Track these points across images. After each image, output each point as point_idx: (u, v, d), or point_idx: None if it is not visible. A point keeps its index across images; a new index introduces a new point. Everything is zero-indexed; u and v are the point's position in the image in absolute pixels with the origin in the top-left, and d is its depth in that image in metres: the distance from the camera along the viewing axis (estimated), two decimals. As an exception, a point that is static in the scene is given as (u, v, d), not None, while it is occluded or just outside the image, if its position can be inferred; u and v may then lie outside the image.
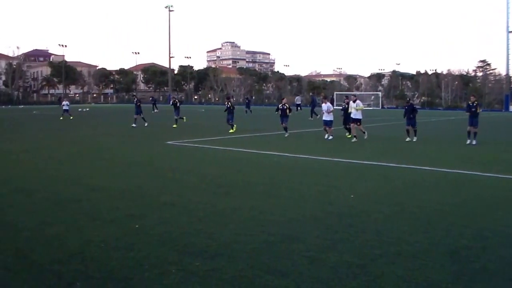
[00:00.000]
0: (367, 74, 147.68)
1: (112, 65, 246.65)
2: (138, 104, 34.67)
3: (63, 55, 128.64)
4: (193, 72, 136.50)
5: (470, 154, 19.10)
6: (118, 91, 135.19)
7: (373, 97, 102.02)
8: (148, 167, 15.58)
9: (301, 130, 30.90)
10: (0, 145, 22.51)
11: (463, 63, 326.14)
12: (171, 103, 36.77)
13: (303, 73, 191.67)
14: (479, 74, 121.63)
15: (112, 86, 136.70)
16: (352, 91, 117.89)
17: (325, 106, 26.01)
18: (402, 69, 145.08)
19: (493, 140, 25.99)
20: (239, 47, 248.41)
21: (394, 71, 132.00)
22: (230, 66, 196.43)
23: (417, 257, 6.86)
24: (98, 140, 25.21)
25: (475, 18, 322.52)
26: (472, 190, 12.18)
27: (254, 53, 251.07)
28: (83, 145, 22.46)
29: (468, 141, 22.28)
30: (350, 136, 25.22)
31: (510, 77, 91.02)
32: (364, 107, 26.18)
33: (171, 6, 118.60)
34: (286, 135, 26.13)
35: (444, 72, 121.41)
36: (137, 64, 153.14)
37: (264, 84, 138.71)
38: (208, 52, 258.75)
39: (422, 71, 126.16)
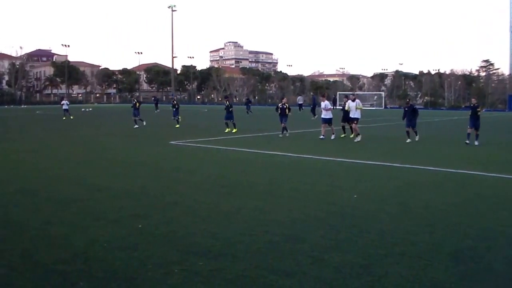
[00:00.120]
0: (370, 74, 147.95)
1: (115, 65, 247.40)
2: (137, 106, 34.49)
3: (66, 55, 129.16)
4: (196, 72, 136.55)
5: (473, 154, 19.07)
6: (121, 91, 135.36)
7: (376, 97, 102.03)
8: (151, 167, 15.58)
9: (304, 130, 30.89)
10: (4, 145, 22.57)
11: (466, 63, 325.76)
12: (171, 105, 36.68)
13: (306, 73, 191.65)
14: (482, 74, 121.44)
15: (115, 86, 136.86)
16: (355, 91, 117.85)
17: (323, 104, 25.86)
18: (405, 69, 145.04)
19: (496, 140, 25.94)
20: (242, 47, 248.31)
21: (397, 71, 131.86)
22: (233, 66, 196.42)
23: (421, 257, 6.86)
24: (101, 140, 25.23)
25: (478, 18, 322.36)
26: (475, 190, 12.16)
27: (257, 53, 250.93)
28: (86, 145, 22.49)
29: (467, 142, 22.12)
30: (344, 135, 25.19)
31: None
32: (361, 107, 25.85)
33: (174, 6, 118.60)
34: (284, 135, 25.89)
35: (447, 72, 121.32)
36: (140, 64, 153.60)
37: (267, 84, 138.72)
38: (211, 52, 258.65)
39: (425, 71, 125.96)
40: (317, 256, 6.90)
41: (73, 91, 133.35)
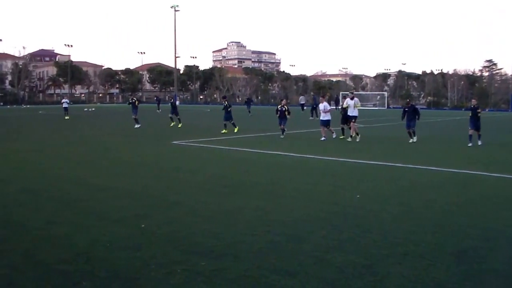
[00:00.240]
0: (373, 74, 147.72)
1: (117, 65, 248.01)
2: (136, 104, 34.47)
3: (69, 55, 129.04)
4: (198, 72, 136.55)
5: (476, 155, 19.03)
6: (124, 91, 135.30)
7: (378, 97, 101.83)
8: (154, 167, 15.60)
9: (306, 130, 30.86)
10: (7, 144, 22.61)
11: (469, 63, 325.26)
12: (171, 104, 36.51)
13: (308, 73, 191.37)
14: (485, 74, 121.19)
15: (117, 86, 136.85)
16: (358, 91, 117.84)
17: (322, 105, 25.45)
18: (408, 69, 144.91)
19: (499, 140, 25.89)
20: (245, 47, 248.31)
21: (400, 71, 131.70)
22: (235, 66, 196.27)
23: (424, 257, 6.85)
24: (104, 140, 25.26)
25: (480, 18, 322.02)
26: (478, 190, 12.15)
27: (260, 53, 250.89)
28: (89, 145, 22.52)
29: (470, 144, 21.74)
30: (343, 137, 24.77)
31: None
32: (359, 105, 25.31)
33: (177, 6, 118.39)
34: (281, 137, 25.49)
35: (450, 72, 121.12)
36: (143, 64, 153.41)
37: (269, 84, 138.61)
38: (213, 52, 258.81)
39: (428, 71, 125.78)
40: (319, 256, 6.89)
41: (76, 91, 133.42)
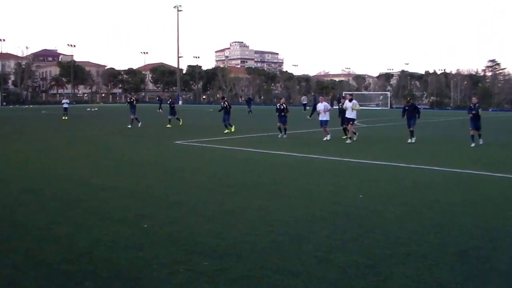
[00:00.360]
0: (375, 74, 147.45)
1: (120, 65, 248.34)
2: (134, 103, 34.45)
3: (72, 55, 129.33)
4: (201, 72, 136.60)
5: (479, 155, 19.00)
6: (127, 90, 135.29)
7: (381, 97, 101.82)
8: (156, 167, 15.60)
9: (309, 130, 30.84)
10: (10, 144, 22.63)
11: (472, 62, 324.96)
12: (169, 104, 36.40)
13: (311, 73, 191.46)
14: (488, 74, 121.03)
15: (120, 86, 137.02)
16: (361, 91, 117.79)
17: (322, 105, 25.20)
18: (411, 69, 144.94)
19: (502, 140, 25.87)
20: (248, 47, 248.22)
21: (403, 71, 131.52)
22: (238, 66, 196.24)
23: (427, 257, 6.84)
24: (106, 139, 25.30)
25: (483, 18, 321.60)
26: (481, 190, 12.12)
27: (262, 53, 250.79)
28: (91, 144, 22.53)
29: (473, 144, 21.49)
30: (345, 137, 24.52)
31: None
32: (358, 107, 24.83)
33: (180, 6, 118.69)
34: (279, 136, 25.36)
35: (453, 72, 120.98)
36: (146, 64, 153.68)
37: (272, 84, 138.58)
38: (216, 52, 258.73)
39: (431, 71, 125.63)
40: (322, 256, 6.88)
41: (78, 91, 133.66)
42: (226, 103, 29.96)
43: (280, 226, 8.41)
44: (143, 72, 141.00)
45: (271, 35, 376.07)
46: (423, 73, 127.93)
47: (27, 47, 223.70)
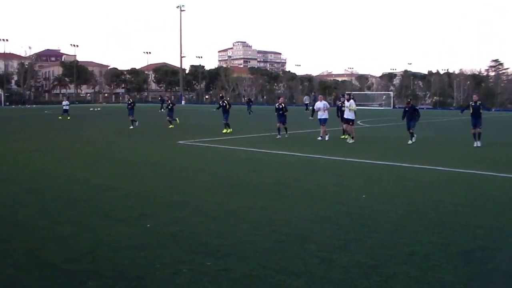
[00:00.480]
0: (378, 74, 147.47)
1: (123, 65, 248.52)
2: (132, 105, 34.45)
3: (75, 55, 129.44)
4: (204, 72, 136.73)
5: (482, 154, 18.96)
6: (130, 90, 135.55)
7: (384, 96, 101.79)
8: (159, 167, 15.60)
9: (311, 130, 30.80)
10: (12, 144, 22.66)
11: (475, 62, 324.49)
12: (161, 104, 36.29)
13: (314, 72, 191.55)
14: (492, 73, 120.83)
15: (123, 85, 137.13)
16: (364, 91, 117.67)
17: (321, 103, 25.08)
18: (414, 68, 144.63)
19: (505, 140, 25.83)
20: (251, 46, 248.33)
21: (405, 71, 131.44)
22: (241, 66, 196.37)
23: (430, 257, 6.82)
24: (109, 139, 25.31)
25: (486, 18, 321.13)
26: (484, 190, 12.09)
27: (265, 52, 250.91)
28: (94, 144, 22.55)
29: (475, 144, 21.38)
30: (344, 137, 24.43)
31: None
32: (354, 108, 24.45)
33: (183, 6, 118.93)
34: (277, 137, 24.97)
35: (456, 72, 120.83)
36: (149, 63, 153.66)
37: (275, 84, 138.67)
38: (219, 51, 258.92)
39: (434, 71, 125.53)
40: (325, 256, 6.87)
41: (81, 91, 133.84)
42: (225, 102, 29.95)
43: (283, 226, 8.40)
44: (146, 72, 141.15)
45: (274, 35, 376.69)
46: (426, 73, 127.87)
47: (30, 47, 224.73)
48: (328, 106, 25.34)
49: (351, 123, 23.83)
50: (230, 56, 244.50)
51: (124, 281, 5.99)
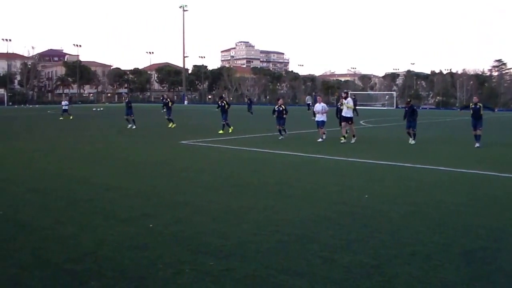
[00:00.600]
0: (381, 74, 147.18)
1: (126, 65, 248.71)
2: (129, 105, 34.47)
3: (78, 55, 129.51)
4: (207, 72, 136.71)
5: (484, 154, 18.92)
6: (132, 90, 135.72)
7: (387, 96, 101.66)
8: (162, 167, 15.61)
9: (313, 130, 30.76)
10: (15, 144, 22.68)
11: (478, 63, 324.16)
12: (162, 104, 36.17)
13: (317, 72, 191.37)
14: (495, 73, 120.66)
15: (126, 85, 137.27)
16: (367, 91, 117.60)
17: (319, 106, 24.77)
18: (417, 68, 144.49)
19: (507, 140, 25.78)
20: (253, 46, 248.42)
21: (408, 71, 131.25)
22: (244, 66, 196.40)
23: (432, 257, 6.81)
24: (111, 139, 25.34)
25: (488, 18, 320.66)
26: (487, 190, 12.06)
27: (268, 52, 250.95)
28: (96, 144, 22.58)
29: (476, 145, 21.13)
30: (342, 139, 24.15)
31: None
32: (351, 106, 24.09)
33: (185, 6, 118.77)
34: (280, 138, 24.82)
35: (459, 72, 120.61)
36: (151, 63, 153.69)
37: (278, 84, 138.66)
38: (222, 51, 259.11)
39: (437, 71, 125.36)
40: (327, 256, 6.87)
41: (84, 90, 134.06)
42: (224, 102, 29.95)
43: (285, 226, 8.40)
44: (149, 72, 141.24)
45: (277, 35, 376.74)
46: (429, 73, 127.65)
47: (33, 47, 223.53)
48: (327, 108, 24.96)
49: (350, 122, 23.67)
50: (233, 56, 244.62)
51: (126, 281, 5.99)
